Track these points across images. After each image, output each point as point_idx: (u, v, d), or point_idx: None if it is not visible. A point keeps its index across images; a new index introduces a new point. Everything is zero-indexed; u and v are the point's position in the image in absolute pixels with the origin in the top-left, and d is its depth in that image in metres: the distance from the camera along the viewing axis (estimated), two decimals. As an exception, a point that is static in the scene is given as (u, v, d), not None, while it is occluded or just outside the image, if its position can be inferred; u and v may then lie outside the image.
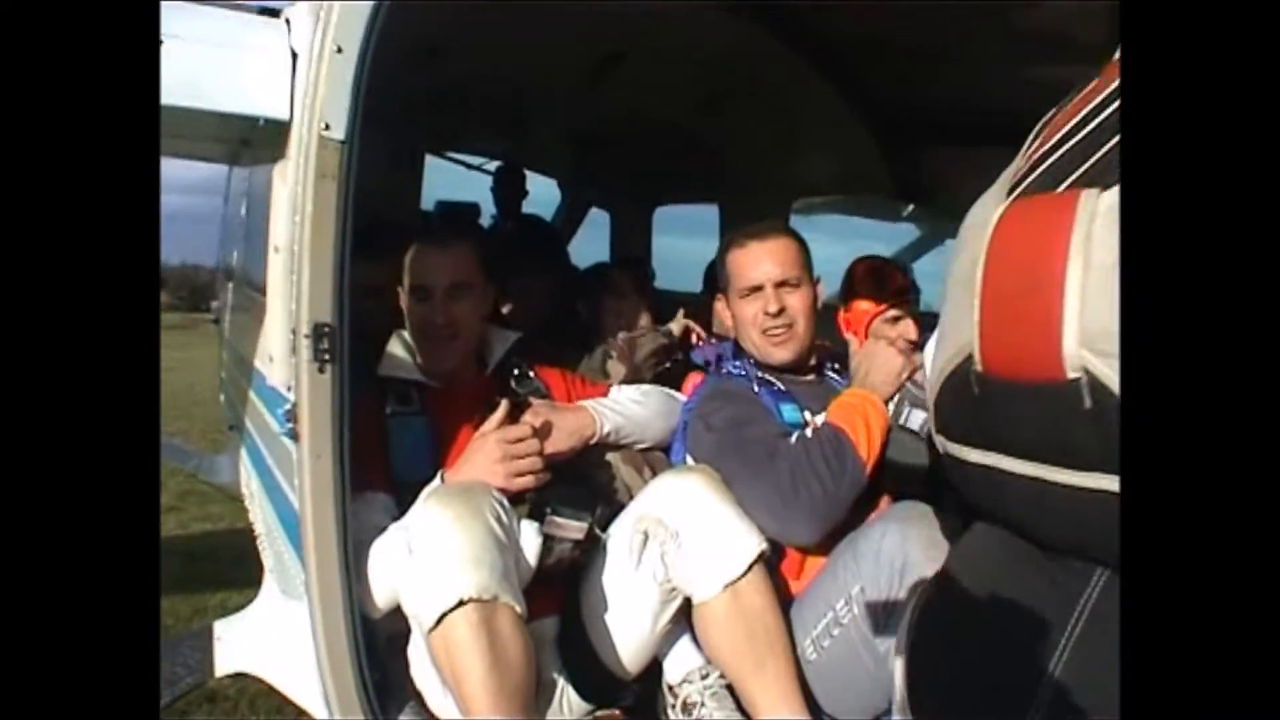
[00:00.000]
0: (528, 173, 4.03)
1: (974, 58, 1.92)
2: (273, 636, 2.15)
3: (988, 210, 0.91)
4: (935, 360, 1.00)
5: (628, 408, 1.89)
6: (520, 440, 1.63)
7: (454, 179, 4.32)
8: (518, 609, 1.44)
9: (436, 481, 1.62)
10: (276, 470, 1.79)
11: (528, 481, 1.61)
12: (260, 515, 2.29)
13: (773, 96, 2.86)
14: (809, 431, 1.68)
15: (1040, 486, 0.83)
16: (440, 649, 1.42)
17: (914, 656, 1.09)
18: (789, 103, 2.86)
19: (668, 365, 2.25)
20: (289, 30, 1.58)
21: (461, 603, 1.39)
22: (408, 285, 1.84)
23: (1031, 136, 0.98)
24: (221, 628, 2.22)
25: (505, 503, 1.53)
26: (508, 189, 3.97)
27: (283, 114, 1.49)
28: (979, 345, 0.88)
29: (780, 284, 1.82)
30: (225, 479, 3.38)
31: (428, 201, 4.02)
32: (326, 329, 1.44)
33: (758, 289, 1.83)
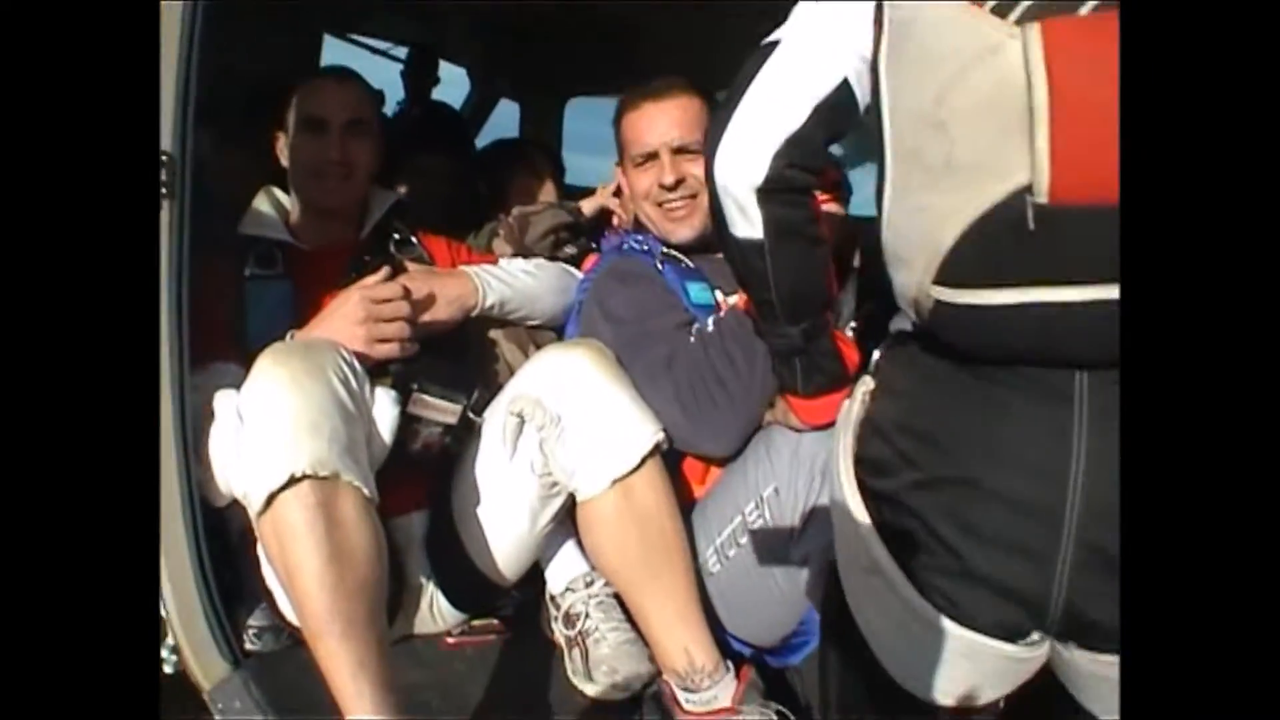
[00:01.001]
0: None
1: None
2: None
3: (983, 37, 0.84)
4: (928, 215, 0.92)
5: (517, 278, 1.68)
6: (389, 300, 1.43)
7: (360, 63, 4.05)
8: (366, 492, 1.25)
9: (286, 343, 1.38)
10: None
11: (392, 349, 1.41)
12: None
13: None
14: (714, 319, 1.46)
15: (1108, 309, 0.82)
16: (270, 535, 1.22)
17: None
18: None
19: (571, 251, 2.00)
20: None
21: (294, 479, 1.19)
22: (297, 119, 1.64)
23: None
24: None
25: (356, 366, 1.32)
26: (419, 73, 3.81)
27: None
28: (1049, 173, 0.83)
29: (679, 150, 1.57)
30: None
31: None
32: (167, 159, 1.20)
33: (653, 156, 1.59)
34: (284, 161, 1.69)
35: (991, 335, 0.91)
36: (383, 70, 3.91)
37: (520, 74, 3.97)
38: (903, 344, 1.04)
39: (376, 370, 1.39)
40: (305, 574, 1.19)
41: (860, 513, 0.98)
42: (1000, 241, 0.87)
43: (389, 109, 3.75)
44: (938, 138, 0.87)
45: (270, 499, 1.20)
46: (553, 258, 1.94)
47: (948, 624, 0.93)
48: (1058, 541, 0.87)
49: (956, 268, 0.90)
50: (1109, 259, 0.78)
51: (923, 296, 0.92)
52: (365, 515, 1.24)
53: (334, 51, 3.92)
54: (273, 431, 1.22)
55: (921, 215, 0.91)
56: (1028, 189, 0.84)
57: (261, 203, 1.69)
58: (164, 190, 1.22)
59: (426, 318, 1.50)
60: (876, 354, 1.08)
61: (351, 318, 1.39)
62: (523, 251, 1.94)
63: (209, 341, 1.38)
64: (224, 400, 1.34)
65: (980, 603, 0.92)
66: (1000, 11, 0.87)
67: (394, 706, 1.18)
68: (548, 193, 2.23)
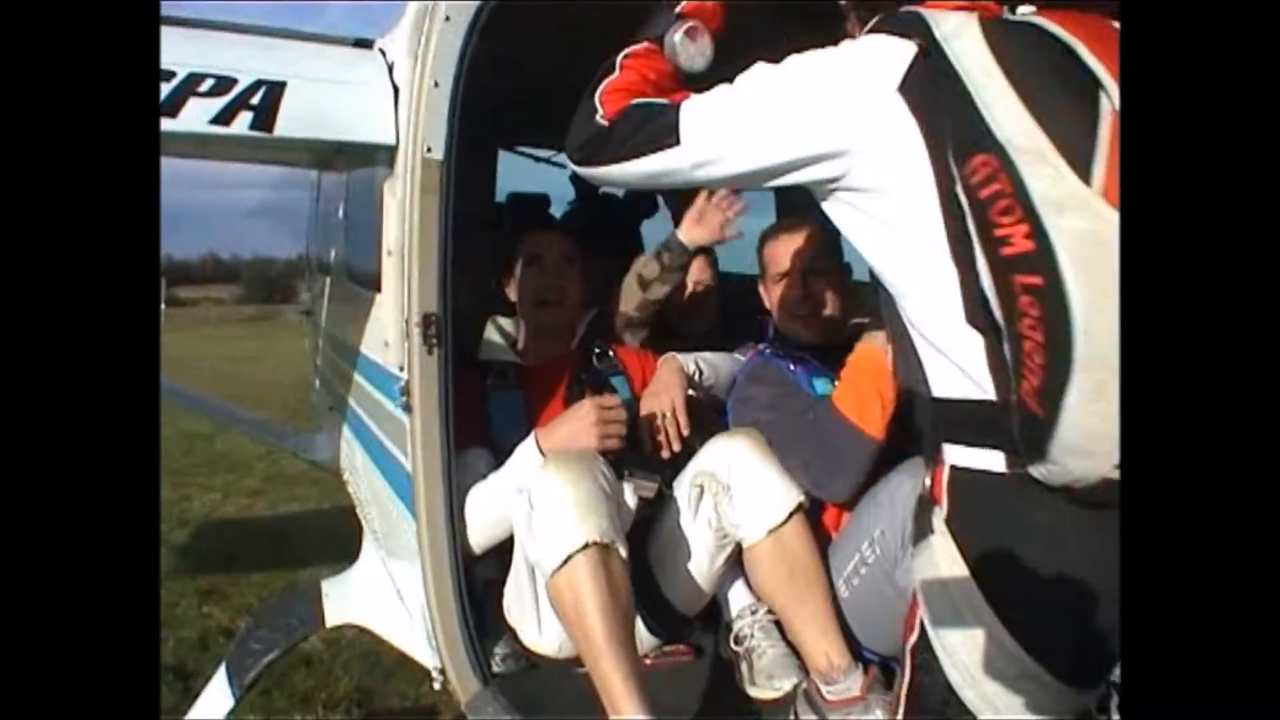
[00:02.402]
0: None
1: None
2: (375, 592, 2.44)
3: None
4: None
5: (702, 355, 2.15)
6: (613, 407, 1.87)
7: (530, 170, 4.60)
8: (623, 553, 1.65)
9: (531, 439, 1.86)
10: (387, 441, 2.07)
11: (615, 444, 1.84)
12: (365, 484, 2.58)
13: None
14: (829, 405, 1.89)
15: None
16: (565, 589, 1.61)
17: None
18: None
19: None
20: (389, 68, 1.87)
21: (584, 546, 1.59)
22: (523, 259, 2.15)
23: None
24: (328, 586, 2.52)
25: (605, 465, 1.74)
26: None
27: (390, 140, 1.76)
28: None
29: (807, 271, 2.05)
30: (323, 456, 3.70)
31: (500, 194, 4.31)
32: (433, 318, 1.73)
33: (785, 275, 2.08)
34: (512, 296, 2.21)
35: None
36: (551, 175, 4.46)
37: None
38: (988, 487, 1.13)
39: None
40: (591, 613, 1.58)
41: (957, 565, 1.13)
42: None
43: (559, 209, 4.21)
44: None
45: (565, 561, 1.59)
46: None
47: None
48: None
49: None
50: None
51: (1100, 482, 1.00)
52: (624, 569, 1.65)
53: (506, 163, 4.49)
54: (565, 513, 1.61)
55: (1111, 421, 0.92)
56: None
57: (491, 333, 2.19)
58: (434, 341, 1.73)
59: (672, 399, 1.98)
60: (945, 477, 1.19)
61: (587, 420, 1.82)
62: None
63: (465, 438, 1.86)
64: (491, 482, 1.85)
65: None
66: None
67: (647, 708, 1.55)
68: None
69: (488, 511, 1.86)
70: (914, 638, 1.22)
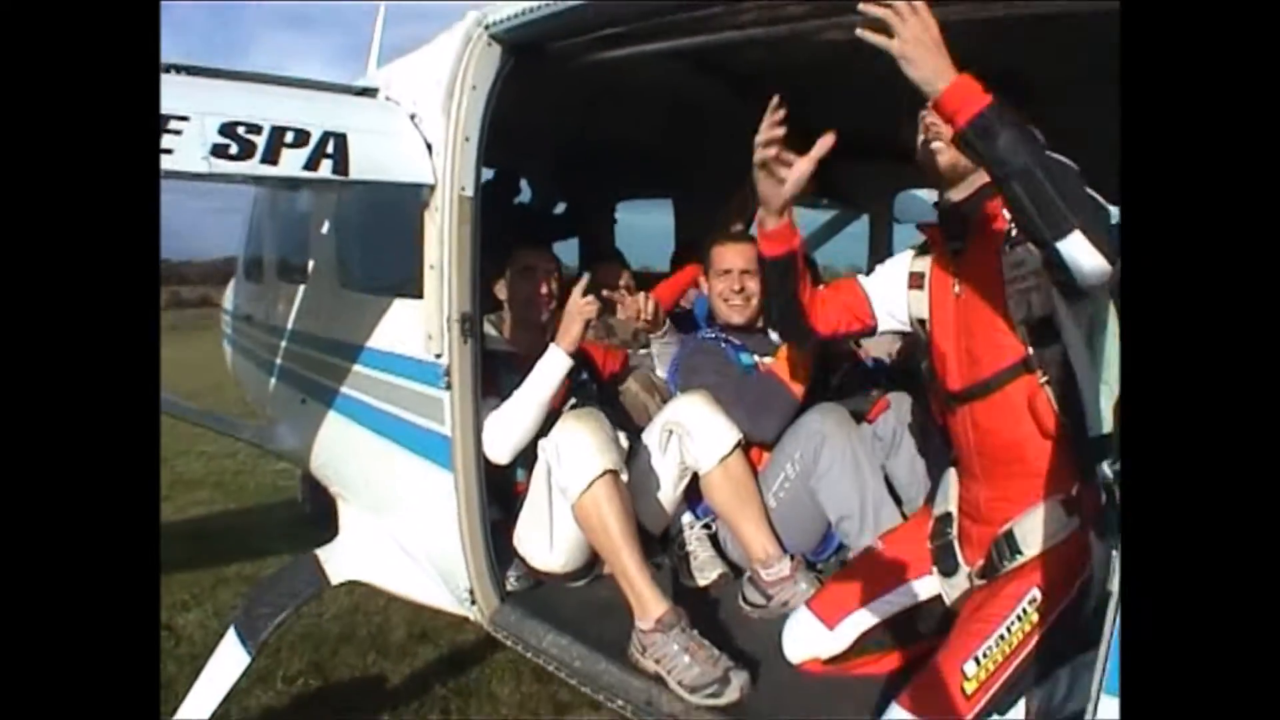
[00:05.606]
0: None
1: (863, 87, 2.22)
2: (368, 552, 2.96)
3: None
4: None
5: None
6: (584, 298, 2.50)
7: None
8: (626, 480, 2.27)
9: (551, 348, 2.49)
10: (416, 417, 2.54)
11: (591, 311, 2.49)
12: (362, 460, 3.03)
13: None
14: (755, 372, 2.62)
15: None
16: (590, 506, 2.20)
17: None
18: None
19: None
20: (419, 126, 2.41)
21: (603, 473, 2.19)
22: (517, 268, 2.74)
23: None
24: (323, 554, 2.96)
25: (608, 420, 2.36)
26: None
27: (430, 180, 2.31)
28: None
29: (744, 271, 2.75)
30: (285, 445, 4.07)
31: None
32: (468, 316, 2.29)
33: (728, 272, 2.77)
34: (502, 297, 2.76)
35: None
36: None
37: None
38: None
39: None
40: (612, 523, 2.17)
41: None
42: None
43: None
44: None
45: (589, 485, 2.17)
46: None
47: None
48: None
49: None
50: None
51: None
52: (628, 492, 2.26)
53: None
54: (585, 450, 2.20)
55: None
56: None
57: (489, 327, 2.72)
58: (468, 334, 2.28)
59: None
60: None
61: (574, 312, 2.46)
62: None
63: (489, 397, 2.43)
64: (515, 398, 2.44)
65: None
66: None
67: (658, 589, 2.11)
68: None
69: (514, 413, 2.46)
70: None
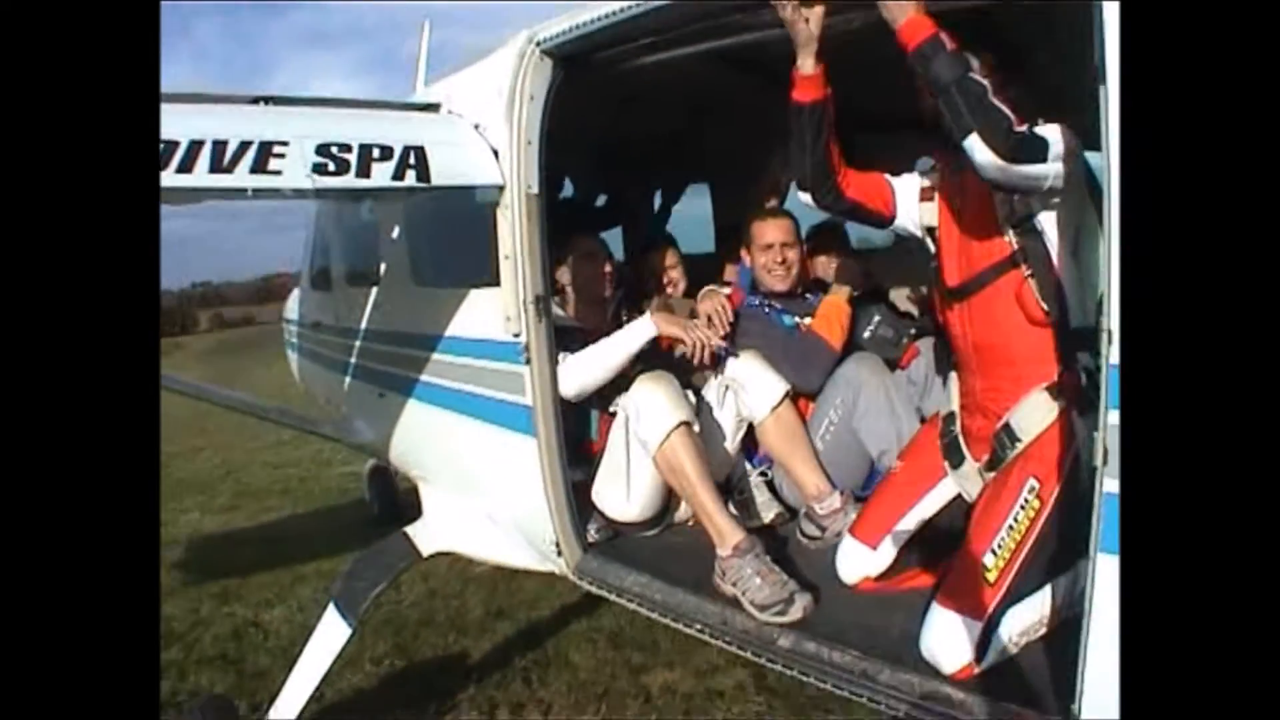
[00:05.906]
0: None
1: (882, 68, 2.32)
2: (453, 525, 3.25)
3: None
4: None
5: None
6: (702, 340, 2.76)
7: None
8: (698, 429, 2.59)
9: (646, 316, 2.79)
10: (497, 393, 2.82)
11: (685, 349, 2.78)
12: (448, 440, 3.29)
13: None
14: (797, 332, 2.93)
15: None
16: (670, 455, 2.49)
17: None
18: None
19: None
20: (484, 134, 2.72)
21: (679, 425, 2.48)
22: (579, 255, 3.04)
23: None
24: (412, 530, 3.24)
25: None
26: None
27: (499, 181, 2.61)
28: None
29: (784, 244, 3.07)
30: (364, 438, 4.30)
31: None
32: (541, 298, 2.60)
33: (770, 246, 3.08)
34: (563, 281, 3.04)
35: None
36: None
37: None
38: None
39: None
40: (690, 469, 2.45)
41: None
42: None
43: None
44: None
45: (667, 435, 2.46)
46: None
47: None
48: None
49: None
50: None
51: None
52: (700, 441, 2.57)
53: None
54: (662, 404, 2.49)
55: None
56: None
57: (555, 308, 2.97)
58: (542, 313, 2.59)
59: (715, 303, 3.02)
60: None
61: (689, 330, 2.73)
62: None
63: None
64: (601, 345, 2.72)
65: None
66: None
67: (735, 523, 2.40)
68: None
69: (595, 358, 2.75)
70: None
